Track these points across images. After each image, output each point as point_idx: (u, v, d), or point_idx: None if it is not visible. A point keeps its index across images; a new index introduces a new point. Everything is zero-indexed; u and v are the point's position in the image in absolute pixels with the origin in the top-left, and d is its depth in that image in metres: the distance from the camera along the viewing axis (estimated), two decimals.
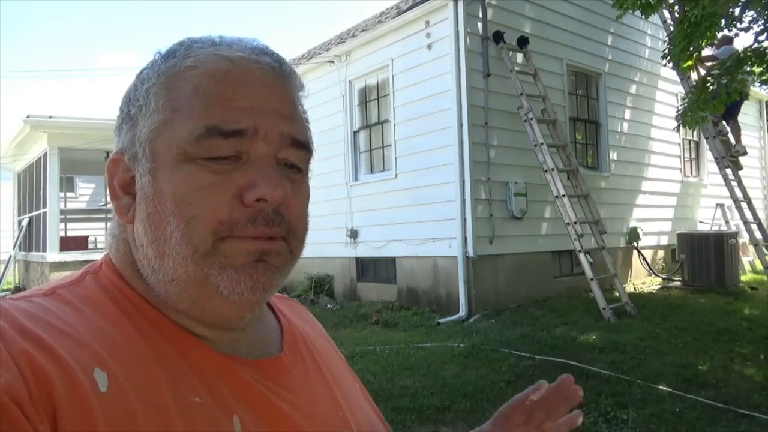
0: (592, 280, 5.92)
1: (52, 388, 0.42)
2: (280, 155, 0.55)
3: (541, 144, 6.36)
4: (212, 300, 0.53)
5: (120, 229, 0.58)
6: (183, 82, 0.54)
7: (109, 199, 0.59)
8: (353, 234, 7.77)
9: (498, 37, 6.60)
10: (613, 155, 8.28)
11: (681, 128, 7.32)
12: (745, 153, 8.41)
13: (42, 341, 0.45)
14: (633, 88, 8.76)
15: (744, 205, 7.88)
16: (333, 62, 8.17)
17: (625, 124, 8.59)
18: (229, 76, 0.53)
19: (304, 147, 0.57)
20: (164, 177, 0.52)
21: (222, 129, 0.52)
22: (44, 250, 10.12)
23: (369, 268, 7.78)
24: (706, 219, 9.70)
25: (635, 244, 8.25)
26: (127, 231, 0.57)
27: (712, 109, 5.90)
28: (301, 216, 0.57)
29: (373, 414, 0.70)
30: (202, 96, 0.53)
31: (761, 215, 9.14)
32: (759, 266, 8.17)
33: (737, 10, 5.53)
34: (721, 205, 9.48)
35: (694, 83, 6.67)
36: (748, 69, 5.72)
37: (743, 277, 8.09)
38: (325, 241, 7.90)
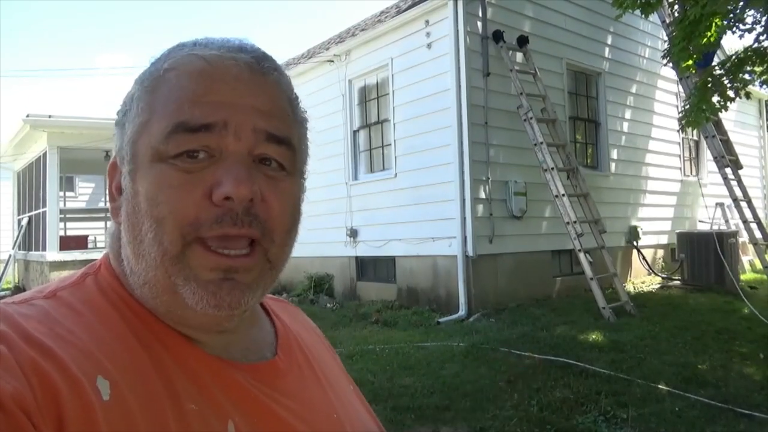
0: (591, 279, 5.92)
1: (58, 396, 0.42)
2: (257, 151, 0.54)
3: (541, 143, 6.35)
4: (184, 310, 0.53)
5: (116, 229, 0.59)
6: (162, 85, 0.54)
7: (108, 200, 0.60)
8: (353, 233, 7.76)
9: (498, 36, 6.59)
10: (613, 154, 8.27)
11: (683, 129, 7.31)
12: None
13: (47, 349, 0.45)
14: (633, 88, 8.76)
15: (743, 204, 7.87)
16: (333, 61, 8.16)
17: (625, 124, 8.59)
18: (203, 74, 0.53)
19: (282, 142, 0.55)
20: (140, 177, 0.53)
21: (189, 124, 0.51)
22: (44, 249, 10.11)
23: (369, 268, 7.78)
24: (706, 218, 9.69)
25: (635, 243, 8.25)
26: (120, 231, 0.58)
27: (715, 110, 5.89)
28: (280, 217, 0.54)
29: (368, 416, 0.71)
30: (175, 96, 0.53)
31: (761, 214, 9.13)
32: (758, 265, 8.17)
33: (738, 10, 5.52)
34: (721, 205, 9.47)
35: (695, 83, 6.66)
36: (749, 68, 5.72)
37: (743, 277, 8.10)
38: (325, 241, 7.90)
